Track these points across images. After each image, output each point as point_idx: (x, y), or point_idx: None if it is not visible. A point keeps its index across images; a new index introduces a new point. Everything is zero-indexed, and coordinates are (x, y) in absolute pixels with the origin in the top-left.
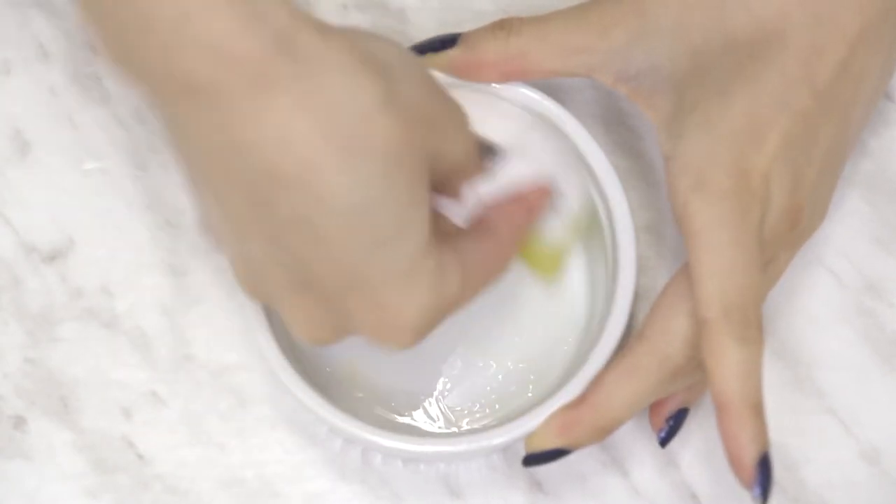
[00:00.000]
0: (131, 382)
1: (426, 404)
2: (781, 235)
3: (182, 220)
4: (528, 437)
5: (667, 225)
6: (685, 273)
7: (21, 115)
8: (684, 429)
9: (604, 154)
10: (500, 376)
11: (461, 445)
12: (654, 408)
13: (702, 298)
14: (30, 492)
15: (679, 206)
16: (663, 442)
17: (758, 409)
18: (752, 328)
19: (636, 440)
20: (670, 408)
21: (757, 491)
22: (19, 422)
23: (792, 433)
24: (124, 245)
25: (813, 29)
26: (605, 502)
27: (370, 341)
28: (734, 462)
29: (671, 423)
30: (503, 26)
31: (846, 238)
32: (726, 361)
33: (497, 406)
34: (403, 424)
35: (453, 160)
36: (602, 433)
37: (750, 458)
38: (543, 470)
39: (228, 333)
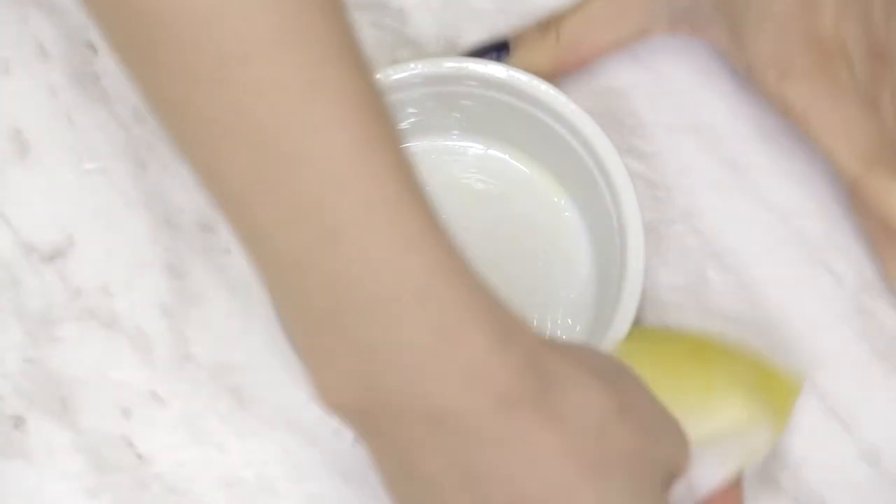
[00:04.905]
0: (131, 382)
1: None
2: (877, 74)
3: (182, 220)
4: None
5: (666, 225)
6: None
7: (21, 115)
8: None
9: (620, 158)
10: None
11: None
12: None
13: (842, 164)
14: (30, 492)
15: (777, 99)
16: None
17: None
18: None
19: None
20: None
21: None
22: (19, 422)
23: (792, 433)
24: (124, 245)
25: None
26: None
27: None
28: None
29: None
30: (548, 25)
31: (846, 238)
32: (891, 195)
33: None
34: None
35: (674, 464)
36: None
37: None
38: None
39: (228, 333)
